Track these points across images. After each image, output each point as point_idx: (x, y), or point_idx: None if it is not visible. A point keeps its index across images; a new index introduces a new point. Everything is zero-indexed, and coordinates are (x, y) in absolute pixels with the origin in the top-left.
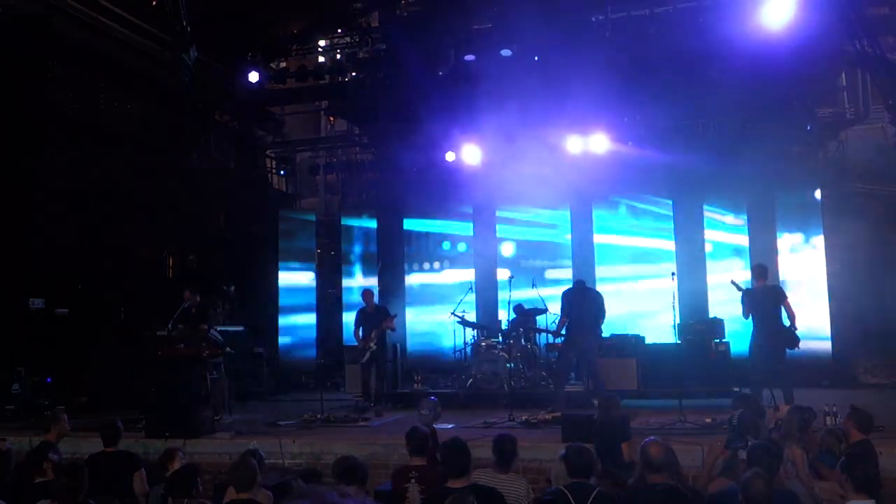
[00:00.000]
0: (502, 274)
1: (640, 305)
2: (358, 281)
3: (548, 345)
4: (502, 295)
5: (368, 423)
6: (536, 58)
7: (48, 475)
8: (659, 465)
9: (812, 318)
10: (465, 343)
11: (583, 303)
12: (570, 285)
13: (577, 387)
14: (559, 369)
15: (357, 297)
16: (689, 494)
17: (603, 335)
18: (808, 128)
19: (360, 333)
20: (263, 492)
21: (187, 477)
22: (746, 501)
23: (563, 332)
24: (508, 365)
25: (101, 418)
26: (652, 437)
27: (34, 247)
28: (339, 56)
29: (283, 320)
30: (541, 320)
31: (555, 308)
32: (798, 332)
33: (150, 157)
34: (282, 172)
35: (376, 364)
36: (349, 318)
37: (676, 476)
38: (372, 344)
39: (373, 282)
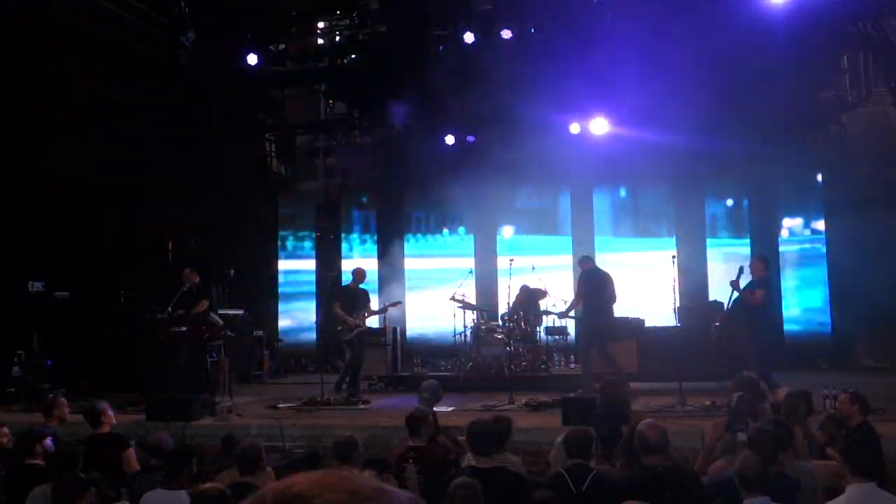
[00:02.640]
0: (502, 258)
1: (641, 289)
2: (357, 263)
3: (548, 328)
4: (502, 279)
5: (369, 405)
6: (533, 30)
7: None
8: (655, 447)
9: (812, 301)
10: (466, 326)
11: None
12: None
13: (576, 370)
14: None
15: None
16: (687, 474)
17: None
18: (810, 111)
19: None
20: (269, 471)
21: (182, 458)
22: (741, 483)
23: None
24: (508, 348)
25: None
26: (648, 420)
27: (34, 230)
28: (338, 38)
29: (283, 303)
30: (542, 304)
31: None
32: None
33: (149, 141)
34: (283, 163)
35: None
36: None
37: (671, 456)
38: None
39: (372, 265)
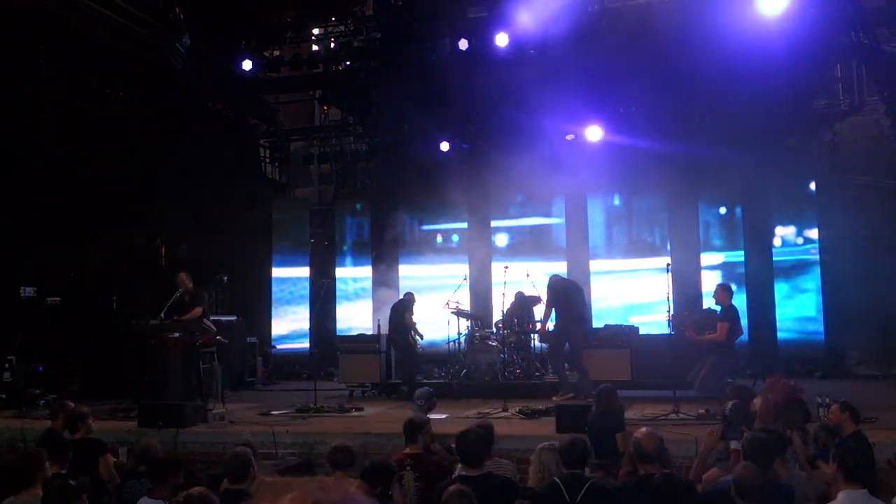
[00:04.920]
0: (496, 265)
1: (635, 297)
2: (351, 271)
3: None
4: (496, 286)
5: (362, 412)
6: (529, 45)
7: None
8: (651, 456)
9: (805, 310)
10: (459, 333)
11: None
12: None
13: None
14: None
15: (352, 287)
16: (683, 484)
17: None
18: (803, 120)
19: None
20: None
21: (168, 468)
22: (737, 492)
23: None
24: (502, 355)
25: (92, 407)
26: (644, 428)
27: (26, 235)
28: (333, 45)
29: (277, 310)
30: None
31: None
32: None
33: (143, 145)
34: (277, 164)
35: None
36: (343, 307)
37: (667, 466)
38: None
39: (366, 271)
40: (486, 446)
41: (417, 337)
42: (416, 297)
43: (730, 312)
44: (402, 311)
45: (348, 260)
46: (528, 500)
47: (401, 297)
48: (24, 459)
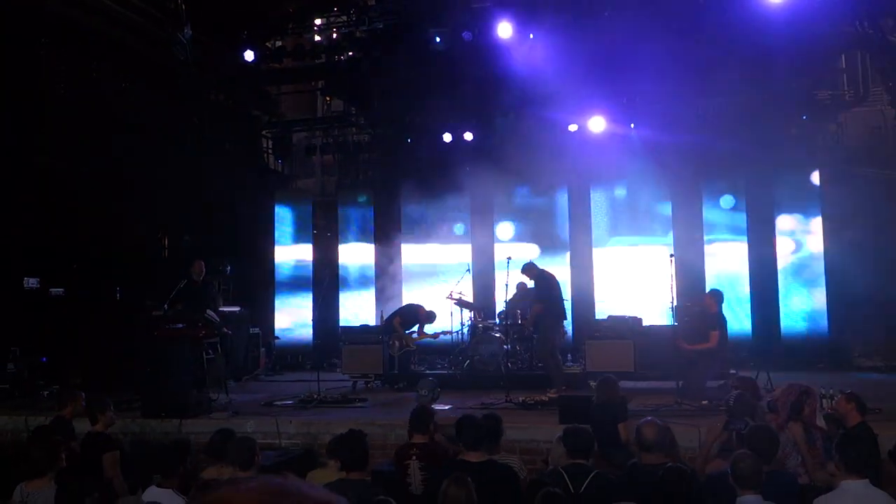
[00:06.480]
0: (499, 255)
1: (638, 287)
2: (354, 261)
3: None
4: (499, 276)
5: (365, 403)
6: (532, 35)
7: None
8: (651, 445)
9: (809, 301)
10: (462, 324)
11: None
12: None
13: (572, 368)
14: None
15: (355, 278)
16: (685, 473)
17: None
18: (807, 110)
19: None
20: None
21: (176, 454)
22: (735, 479)
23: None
24: (505, 346)
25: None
26: (647, 418)
27: (29, 226)
28: (335, 35)
29: (280, 301)
30: None
31: None
32: None
33: (145, 137)
34: (280, 160)
35: None
36: (346, 298)
37: (673, 456)
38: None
39: (370, 262)
40: (488, 433)
41: (398, 342)
42: (421, 287)
43: (719, 319)
44: (393, 315)
45: (351, 251)
46: (534, 487)
47: (413, 302)
48: (43, 449)
